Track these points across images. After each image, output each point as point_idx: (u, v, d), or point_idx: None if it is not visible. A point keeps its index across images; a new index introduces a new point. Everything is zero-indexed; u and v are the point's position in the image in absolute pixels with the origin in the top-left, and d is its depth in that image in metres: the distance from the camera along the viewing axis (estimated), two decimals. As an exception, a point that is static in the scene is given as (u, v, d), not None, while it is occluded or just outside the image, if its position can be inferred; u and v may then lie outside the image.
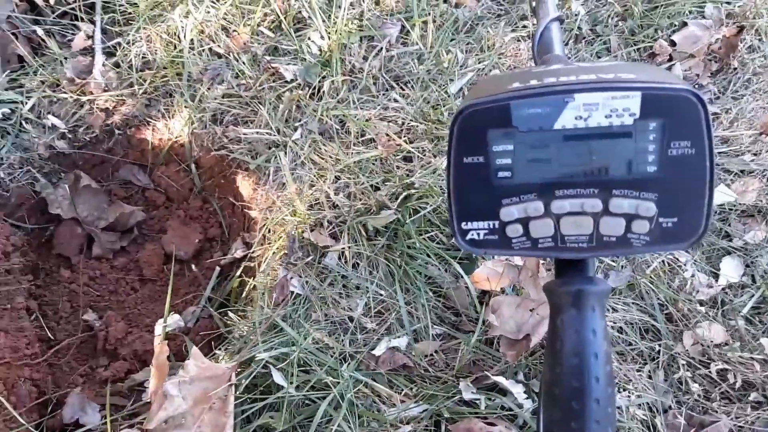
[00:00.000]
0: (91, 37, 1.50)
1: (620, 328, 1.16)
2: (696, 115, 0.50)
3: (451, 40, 1.51)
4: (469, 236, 0.58)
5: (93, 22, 1.52)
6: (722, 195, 1.33)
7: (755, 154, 1.41)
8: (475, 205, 0.57)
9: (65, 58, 1.45)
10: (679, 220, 0.54)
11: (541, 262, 1.09)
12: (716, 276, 1.26)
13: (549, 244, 0.56)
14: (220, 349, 1.09)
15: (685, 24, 1.62)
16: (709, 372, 1.14)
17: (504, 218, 0.56)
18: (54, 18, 1.50)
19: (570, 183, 0.54)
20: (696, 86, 1.52)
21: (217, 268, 1.32)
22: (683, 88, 0.50)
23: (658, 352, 1.15)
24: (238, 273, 1.24)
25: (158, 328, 1.02)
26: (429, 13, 1.52)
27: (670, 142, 0.51)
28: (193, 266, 1.37)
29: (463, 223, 0.58)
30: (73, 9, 1.51)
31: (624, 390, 1.09)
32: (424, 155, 1.29)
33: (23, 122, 1.38)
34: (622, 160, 0.53)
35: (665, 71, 0.69)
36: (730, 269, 1.27)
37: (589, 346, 0.56)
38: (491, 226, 0.57)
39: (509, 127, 0.53)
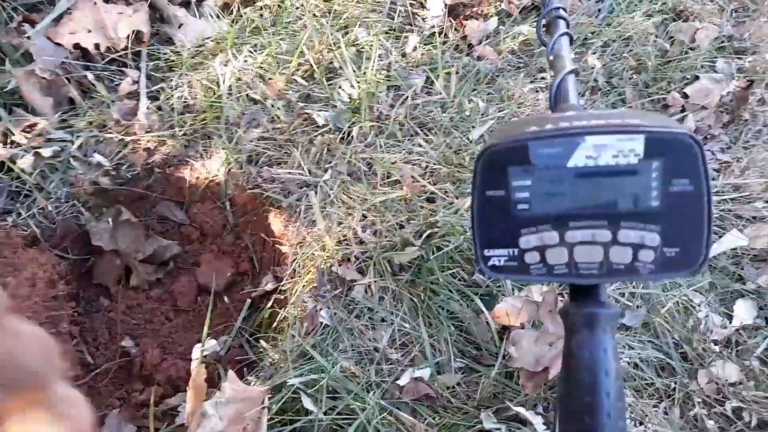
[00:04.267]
0: (136, 82, 1.61)
1: (636, 364, 1.20)
2: (694, 155, 0.57)
3: (473, 90, 1.60)
4: (491, 262, 0.64)
5: (139, 69, 1.63)
6: (735, 239, 1.38)
7: (767, 201, 1.46)
8: (497, 234, 0.63)
9: (112, 101, 1.56)
10: (681, 249, 0.59)
11: (560, 298, 1.15)
12: (730, 317, 1.30)
13: (563, 271, 0.62)
14: (251, 376, 1.15)
15: (697, 77, 1.69)
16: (725, 410, 1.17)
17: (523, 246, 0.62)
18: (103, 64, 1.61)
19: (582, 215, 0.60)
20: (708, 136, 1.59)
21: (248, 300, 1.39)
22: (682, 132, 0.56)
23: (674, 389, 1.19)
24: (269, 304, 1.31)
25: (196, 352, 1.08)
26: (452, 65, 1.62)
27: (671, 180, 0.58)
28: (225, 298, 1.44)
29: (486, 250, 0.64)
30: (121, 56, 1.63)
31: (641, 424, 1.12)
32: (447, 196, 1.36)
33: (71, 160, 1.48)
34: (629, 195, 0.59)
35: (668, 117, 0.76)
36: (744, 311, 1.31)
37: (600, 364, 0.61)
38: (511, 254, 0.63)
39: (527, 164, 0.60)
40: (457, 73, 1.60)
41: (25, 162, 1.40)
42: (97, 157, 1.49)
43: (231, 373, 1.03)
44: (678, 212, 0.59)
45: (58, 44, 1.55)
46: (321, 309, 1.19)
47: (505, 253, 0.63)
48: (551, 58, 0.94)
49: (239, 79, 1.57)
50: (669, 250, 0.60)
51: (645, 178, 0.58)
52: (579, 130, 0.58)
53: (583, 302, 0.64)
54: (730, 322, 1.29)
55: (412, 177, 1.39)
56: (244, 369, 1.24)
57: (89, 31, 1.59)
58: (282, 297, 1.32)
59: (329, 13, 1.69)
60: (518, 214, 0.62)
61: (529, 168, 0.60)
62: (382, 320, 1.21)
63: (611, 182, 0.59)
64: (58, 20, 1.57)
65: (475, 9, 1.78)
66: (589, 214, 0.60)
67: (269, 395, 1.05)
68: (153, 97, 1.60)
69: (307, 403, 1.05)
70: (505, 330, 1.21)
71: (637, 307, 1.27)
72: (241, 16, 1.69)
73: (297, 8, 1.70)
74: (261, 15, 1.69)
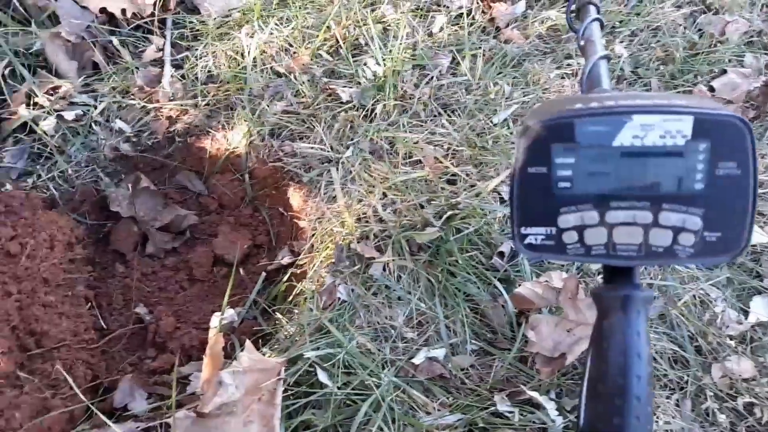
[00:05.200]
0: (161, 49, 1.60)
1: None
2: (742, 139, 0.56)
3: (499, 73, 1.59)
4: (527, 240, 0.64)
5: (164, 36, 1.62)
6: (756, 236, 1.37)
7: (789, 200, 1.45)
8: (535, 212, 0.62)
9: (136, 68, 1.55)
10: (722, 234, 0.59)
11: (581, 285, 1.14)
12: (746, 313, 1.29)
13: (601, 252, 0.62)
14: (266, 348, 1.15)
15: (724, 71, 1.67)
16: (736, 405, 1.17)
17: (561, 225, 0.62)
18: (129, 30, 1.61)
19: (624, 195, 0.60)
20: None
21: (264, 273, 1.38)
22: (731, 114, 0.56)
23: (687, 381, 1.18)
24: (285, 278, 1.31)
25: (214, 320, 1.08)
26: (479, 47, 1.61)
27: (717, 163, 0.57)
28: (240, 270, 1.44)
29: (523, 228, 0.63)
30: (146, 23, 1.62)
31: (653, 414, 1.12)
32: (469, 178, 1.36)
33: (93, 124, 1.48)
34: (673, 177, 0.58)
35: (712, 100, 0.75)
36: (760, 308, 1.30)
37: (633, 347, 0.60)
38: (549, 232, 0.63)
39: (572, 142, 0.59)
40: (483, 55, 1.59)
41: (48, 124, 1.40)
42: (119, 123, 1.49)
43: (248, 343, 1.03)
44: (722, 196, 0.58)
45: (85, 8, 1.55)
46: (339, 284, 1.19)
47: (543, 232, 0.63)
48: (582, 43, 0.93)
49: (264, 51, 1.56)
50: (710, 235, 0.59)
51: (691, 160, 0.57)
52: (626, 109, 0.57)
53: (618, 284, 0.64)
54: (746, 318, 1.28)
55: (435, 158, 1.38)
56: (259, 341, 1.24)
57: (116, -4, 1.58)
58: (298, 271, 1.31)
59: (356, -11, 1.68)
60: (559, 192, 0.61)
61: (574, 146, 0.59)
62: (399, 299, 1.21)
63: (656, 163, 0.58)
64: (84, -17, 1.56)
65: (502, -8, 1.76)
66: (631, 195, 0.59)
67: (285, 367, 1.05)
68: (177, 66, 1.59)
69: (323, 377, 1.05)
70: (521, 315, 1.20)
71: (655, 298, 1.26)
72: (268, -12, 1.67)
73: (324, -17, 1.69)
74: (287, -12, 1.68)
